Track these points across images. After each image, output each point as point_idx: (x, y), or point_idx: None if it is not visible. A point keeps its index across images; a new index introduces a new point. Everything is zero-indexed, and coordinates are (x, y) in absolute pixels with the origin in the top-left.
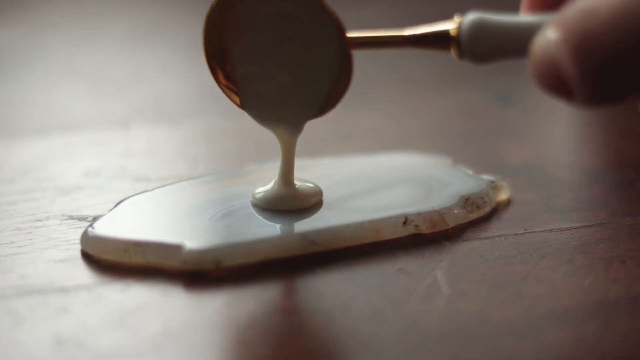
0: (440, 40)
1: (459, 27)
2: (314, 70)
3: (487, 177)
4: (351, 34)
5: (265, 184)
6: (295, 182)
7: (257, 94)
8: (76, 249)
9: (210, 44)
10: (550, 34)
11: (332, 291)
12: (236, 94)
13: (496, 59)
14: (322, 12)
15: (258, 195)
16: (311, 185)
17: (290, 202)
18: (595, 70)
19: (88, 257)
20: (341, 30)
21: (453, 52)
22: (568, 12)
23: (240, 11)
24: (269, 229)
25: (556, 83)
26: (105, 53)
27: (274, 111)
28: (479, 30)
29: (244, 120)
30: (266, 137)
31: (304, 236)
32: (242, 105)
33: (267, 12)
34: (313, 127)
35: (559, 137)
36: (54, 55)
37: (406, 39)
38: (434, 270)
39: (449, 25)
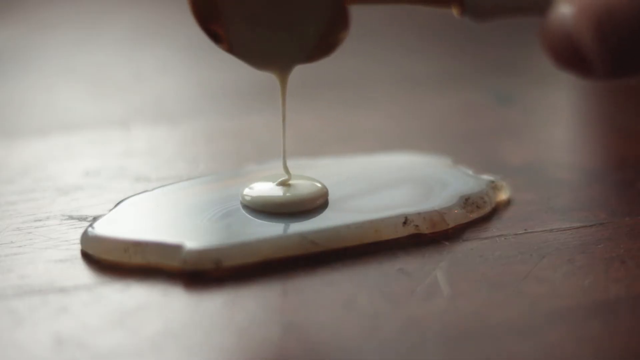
0: None
1: None
2: (305, 22)
3: (487, 177)
4: None
5: (259, 185)
6: (301, 180)
7: (246, 41)
8: (76, 249)
9: (198, 3)
10: (566, 10)
11: (332, 291)
12: (226, 41)
13: (498, 15)
14: None
15: (257, 199)
16: (319, 185)
17: (293, 207)
18: (617, 44)
19: (88, 257)
20: None
21: (454, 8)
22: None
23: None
24: (269, 229)
25: (573, 58)
26: (105, 53)
27: (262, 55)
28: None
29: (244, 120)
30: (266, 137)
31: (304, 236)
32: (231, 50)
33: None
34: (313, 127)
35: (559, 137)
36: (54, 55)
37: None
38: (434, 270)
39: None
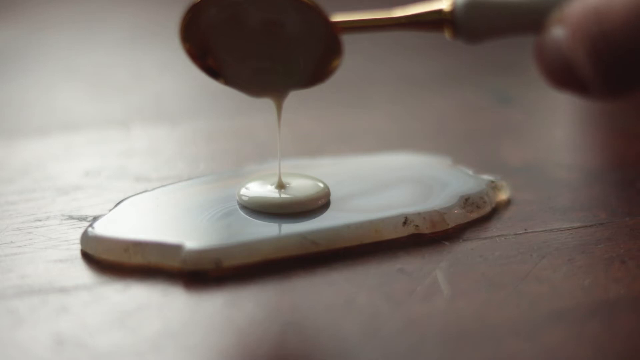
0: (432, 20)
1: (454, 5)
2: (299, 53)
3: (487, 177)
4: (337, 19)
5: (256, 185)
6: (305, 180)
7: (241, 74)
8: (76, 249)
9: (191, 44)
10: (559, 33)
11: (332, 291)
12: (222, 74)
13: (491, 36)
14: (302, 5)
15: (258, 200)
16: (321, 185)
17: (295, 208)
18: (613, 67)
19: (88, 257)
20: (324, 18)
21: (447, 32)
22: (578, 11)
23: (218, 13)
24: (269, 229)
25: (569, 80)
26: (105, 53)
27: (258, 85)
28: (476, 7)
29: (244, 120)
30: (266, 137)
31: (304, 236)
32: (227, 82)
33: (244, 14)
34: (313, 127)
35: (559, 137)
36: (54, 55)
37: (396, 20)
38: (434, 270)
39: (441, 4)
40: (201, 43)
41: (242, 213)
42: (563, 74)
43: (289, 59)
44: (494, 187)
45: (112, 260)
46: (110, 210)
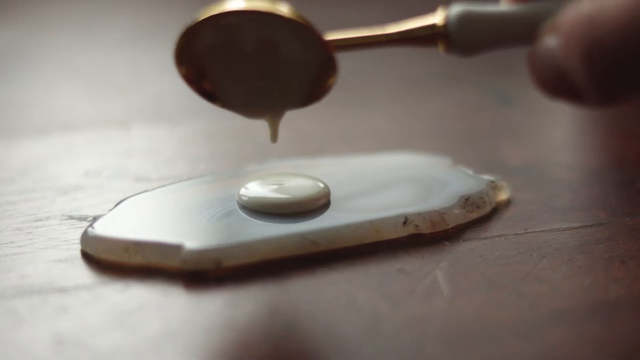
0: (426, 35)
1: (446, 19)
2: (294, 73)
3: (487, 177)
4: (330, 37)
5: (256, 185)
6: (305, 180)
7: (237, 96)
8: (76, 249)
9: (186, 68)
10: (552, 42)
11: (332, 291)
12: (218, 97)
13: (485, 50)
14: (296, 25)
15: (259, 200)
16: (321, 185)
17: (295, 208)
18: (607, 74)
19: (88, 257)
20: (318, 37)
21: (440, 46)
22: (570, 19)
23: (212, 35)
24: (269, 229)
25: (563, 88)
26: (105, 53)
27: (255, 107)
28: (469, 21)
29: (244, 120)
30: (266, 137)
31: (304, 236)
32: (223, 105)
33: (239, 36)
34: (313, 127)
35: (559, 137)
36: (54, 55)
37: (389, 37)
38: (434, 270)
39: (434, 19)
40: (197, 66)
41: (242, 213)
42: (557, 82)
43: (284, 79)
44: (494, 187)
45: (112, 260)
46: (110, 210)
